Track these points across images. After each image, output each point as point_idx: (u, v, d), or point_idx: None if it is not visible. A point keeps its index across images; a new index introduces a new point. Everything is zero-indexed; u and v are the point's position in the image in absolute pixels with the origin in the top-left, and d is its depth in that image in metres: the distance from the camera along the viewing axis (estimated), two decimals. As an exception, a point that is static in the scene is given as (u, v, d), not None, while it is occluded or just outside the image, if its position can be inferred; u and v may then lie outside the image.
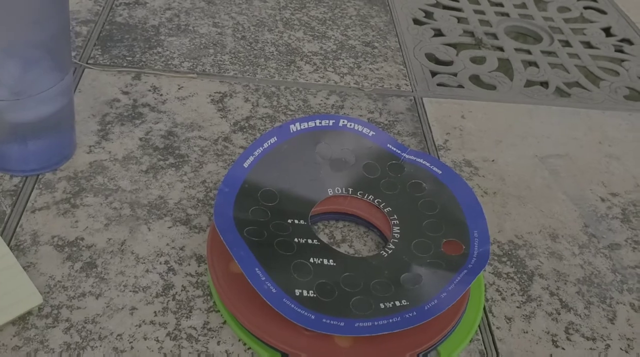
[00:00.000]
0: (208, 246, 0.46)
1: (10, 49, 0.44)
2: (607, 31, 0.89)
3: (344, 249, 0.50)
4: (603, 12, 0.94)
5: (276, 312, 0.41)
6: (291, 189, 0.51)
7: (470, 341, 0.45)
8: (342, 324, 0.41)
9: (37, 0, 0.44)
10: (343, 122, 0.55)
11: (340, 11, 0.82)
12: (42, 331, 0.41)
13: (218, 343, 0.42)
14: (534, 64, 0.79)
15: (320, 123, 0.54)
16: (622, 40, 0.87)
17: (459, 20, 0.86)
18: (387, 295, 0.43)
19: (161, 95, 0.63)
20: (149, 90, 0.63)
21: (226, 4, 0.79)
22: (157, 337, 0.42)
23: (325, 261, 0.46)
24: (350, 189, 0.52)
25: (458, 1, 0.91)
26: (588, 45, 0.86)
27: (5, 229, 0.47)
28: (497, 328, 0.46)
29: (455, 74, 0.74)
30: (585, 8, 0.94)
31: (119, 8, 0.75)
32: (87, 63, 0.65)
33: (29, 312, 0.42)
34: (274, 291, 0.42)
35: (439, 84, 0.72)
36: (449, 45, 0.80)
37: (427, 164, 0.54)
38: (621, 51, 0.85)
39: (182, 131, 0.59)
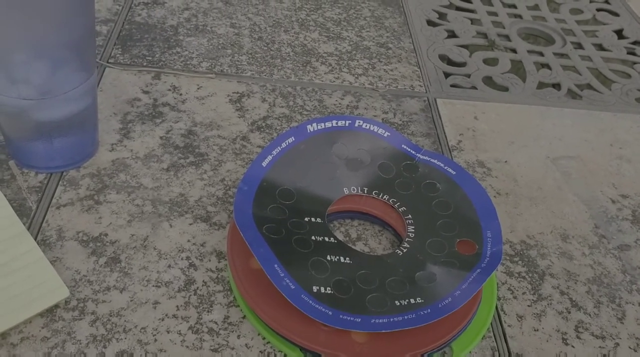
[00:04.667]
0: (228, 242, 0.47)
1: (40, 50, 0.46)
2: (619, 33, 0.90)
3: (359, 247, 0.51)
4: (615, 14, 0.95)
5: (294, 308, 0.42)
6: (308, 188, 0.52)
7: (483, 338, 0.46)
8: (358, 320, 0.42)
9: (66, 1, 0.45)
10: (359, 122, 0.56)
11: (355, 12, 0.83)
12: (69, 323, 0.43)
13: (238, 337, 0.44)
14: (546, 65, 0.80)
15: (336, 124, 0.55)
16: (635, 43, 0.88)
17: (472, 21, 0.87)
18: (402, 292, 0.45)
19: (181, 94, 0.64)
20: (169, 90, 0.64)
21: (243, 4, 0.80)
22: (179, 331, 0.43)
23: (342, 259, 0.47)
24: (366, 189, 0.53)
25: (471, 3, 0.92)
26: (600, 47, 0.86)
27: (32, 225, 0.49)
28: (509, 326, 0.47)
29: (468, 76, 0.75)
30: (598, 10, 0.95)
31: (138, 8, 0.76)
32: (107, 62, 0.67)
33: (56, 305, 0.44)
34: (292, 287, 0.43)
35: (452, 85, 0.73)
36: (462, 46, 0.81)
37: (441, 165, 0.55)
38: (633, 54, 0.86)
39: (201, 130, 0.60)
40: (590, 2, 0.97)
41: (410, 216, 0.52)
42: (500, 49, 0.82)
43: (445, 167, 0.55)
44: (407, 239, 0.50)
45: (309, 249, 0.47)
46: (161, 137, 0.59)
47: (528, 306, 0.49)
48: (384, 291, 0.45)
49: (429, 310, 0.43)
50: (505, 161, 0.63)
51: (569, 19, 0.92)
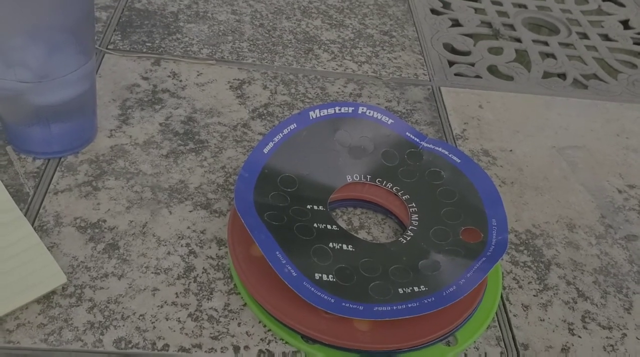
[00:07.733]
0: (229, 229, 0.46)
1: (36, 33, 0.45)
2: (625, 24, 0.89)
3: (361, 235, 0.50)
4: (621, 4, 0.94)
5: (296, 295, 0.41)
6: (310, 175, 0.51)
7: (488, 328, 0.45)
8: (361, 308, 0.41)
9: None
10: (362, 109, 0.55)
11: (358, 0, 0.82)
12: (66, 309, 0.42)
13: (239, 324, 0.43)
14: (551, 55, 0.79)
15: (339, 110, 0.54)
16: (641, 33, 0.87)
17: (476, 10, 0.86)
18: (405, 281, 0.44)
19: (180, 81, 0.63)
20: (169, 76, 0.63)
21: (244, -9, 0.79)
22: (178, 318, 0.42)
23: (345, 246, 0.46)
24: (369, 177, 0.52)
25: (475, -8, 0.91)
26: (606, 37, 0.85)
27: (29, 210, 0.48)
28: (514, 316, 0.46)
29: (472, 64, 0.74)
30: (604, 0, 0.94)
31: (138, -6, 0.75)
32: (107, 48, 0.66)
33: (53, 292, 0.43)
34: (294, 274, 0.42)
35: (456, 74, 0.72)
36: (467, 35, 0.80)
37: (446, 153, 0.54)
38: (639, 44, 0.84)
39: (201, 117, 0.59)
40: (596, -8, 0.96)
41: (414, 204, 0.51)
42: (504, 39, 0.81)
43: (450, 155, 0.54)
44: (410, 227, 0.49)
45: (311, 236, 0.46)
46: (161, 124, 0.58)
47: (534, 295, 0.48)
48: (387, 279, 0.44)
49: (433, 298, 0.42)
50: (511, 150, 0.62)
51: (574, 9, 0.91)
